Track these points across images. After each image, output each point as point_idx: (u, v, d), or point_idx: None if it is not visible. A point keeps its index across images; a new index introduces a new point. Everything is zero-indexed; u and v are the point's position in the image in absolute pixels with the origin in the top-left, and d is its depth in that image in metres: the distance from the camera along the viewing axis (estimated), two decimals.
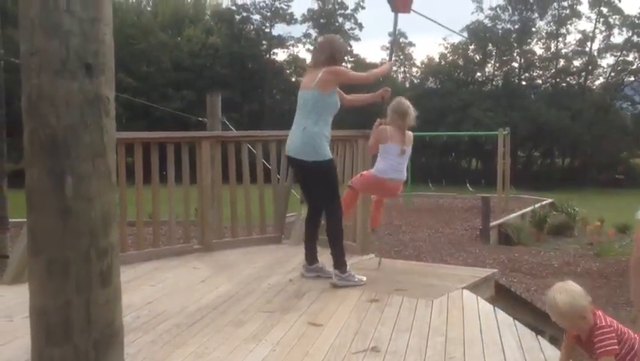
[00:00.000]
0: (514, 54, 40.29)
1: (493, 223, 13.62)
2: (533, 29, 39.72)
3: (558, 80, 40.05)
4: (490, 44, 40.00)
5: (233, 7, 38.79)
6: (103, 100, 2.09)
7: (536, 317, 5.35)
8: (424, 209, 18.67)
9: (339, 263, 4.40)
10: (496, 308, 3.92)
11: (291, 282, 4.51)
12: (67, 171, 2.03)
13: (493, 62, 40.91)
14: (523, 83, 40.67)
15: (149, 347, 3.15)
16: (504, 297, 5.13)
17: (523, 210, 16.02)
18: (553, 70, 39.92)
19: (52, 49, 1.93)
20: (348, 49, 40.11)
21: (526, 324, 3.75)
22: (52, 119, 1.99)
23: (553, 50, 40.03)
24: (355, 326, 3.51)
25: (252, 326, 3.52)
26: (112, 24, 2.10)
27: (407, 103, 4.73)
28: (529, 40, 39.85)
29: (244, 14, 38.96)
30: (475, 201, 18.27)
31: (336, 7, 41.10)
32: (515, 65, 40.73)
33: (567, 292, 2.63)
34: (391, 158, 4.66)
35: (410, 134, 4.77)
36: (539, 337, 3.42)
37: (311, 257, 4.68)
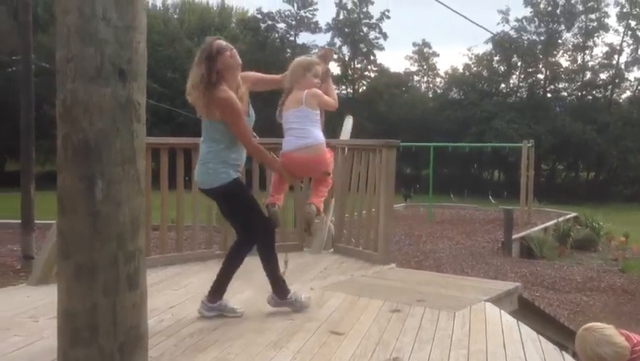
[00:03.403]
0: (540, 66, 39.94)
1: (515, 236, 13.51)
2: (560, 41, 39.35)
3: (584, 92, 39.58)
4: (515, 56, 39.71)
5: (259, 16, 39.03)
6: (134, 105, 2.12)
7: (560, 333, 5.29)
8: (445, 220, 18.57)
9: (278, 292, 3.95)
10: (519, 322, 3.88)
11: (312, 290, 4.51)
12: (98, 176, 2.06)
13: (517, 73, 40.60)
14: (549, 95, 40.29)
15: (171, 351, 3.18)
16: (527, 311, 5.07)
17: (547, 224, 15.87)
18: (580, 82, 39.47)
19: (87, 56, 1.96)
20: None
21: (549, 339, 3.71)
22: (85, 124, 2.03)
23: (579, 62, 39.59)
24: (377, 336, 3.50)
25: (273, 333, 3.52)
26: (145, 32, 2.14)
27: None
28: (555, 52, 39.49)
29: (269, 22, 39.19)
30: (497, 213, 18.15)
31: (361, 16, 41.16)
32: (541, 76, 40.37)
33: (608, 344, 2.57)
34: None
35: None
36: (564, 352, 3.38)
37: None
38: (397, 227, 13.67)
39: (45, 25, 29.07)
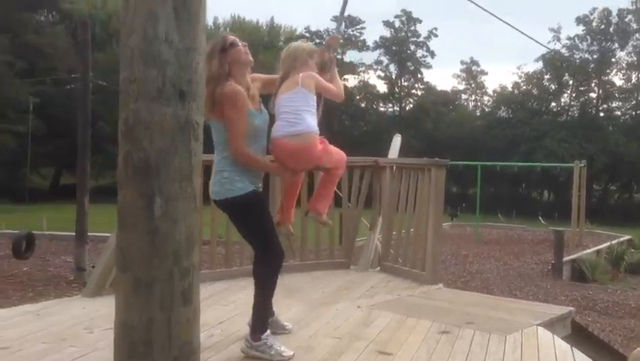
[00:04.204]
0: (592, 85, 39.10)
1: (566, 258, 13.18)
2: (613, 60, 38.48)
3: (639, 112, 38.52)
4: (566, 74, 38.99)
5: (307, 34, 39.49)
6: (193, 125, 2.18)
7: (614, 360, 5.11)
8: (493, 240, 18.26)
9: (255, 327, 3.43)
10: (573, 348, 3.78)
11: (360, 308, 4.49)
12: (157, 193, 2.12)
13: (569, 92, 39.82)
14: (601, 114, 39.35)
15: None
16: (581, 337, 4.93)
17: (599, 247, 15.43)
18: (634, 102, 38.45)
19: (150, 77, 2.03)
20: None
21: None
22: (145, 143, 2.09)
23: (634, 81, 38.61)
24: (425, 358, 3.45)
25: (320, 351, 3.52)
26: (204, 53, 2.20)
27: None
28: (608, 71, 38.61)
29: (317, 41, 39.52)
30: (547, 234, 17.74)
31: (409, 34, 41.19)
32: (593, 95, 39.51)
33: None
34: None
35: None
36: None
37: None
38: (443, 246, 13.48)
39: (102, 44, 30.06)
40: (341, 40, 4.07)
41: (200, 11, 2.14)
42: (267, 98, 3.63)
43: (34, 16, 34.54)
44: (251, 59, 3.42)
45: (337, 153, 3.76)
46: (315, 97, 3.57)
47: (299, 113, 3.46)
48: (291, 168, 3.55)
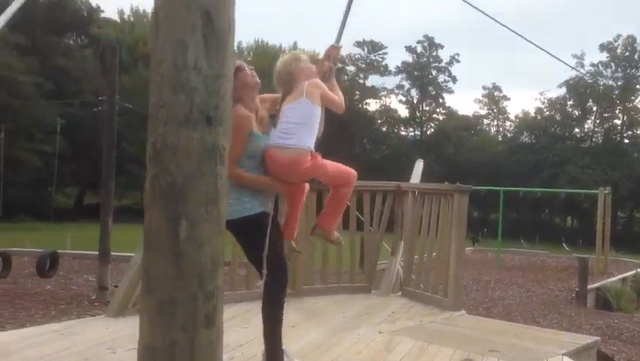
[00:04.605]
0: (617, 111, 38.80)
1: (590, 286, 12.95)
2: (638, 86, 38.18)
3: None
4: (590, 100, 38.76)
5: None
6: (219, 150, 2.21)
7: None
8: (515, 266, 18.04)
9: (273, 356, 3.43)
10: None
11: (381, 334, 4.46)
12: (183, 216, 2.14)
13: (593, 118, 39.55)
14: (626, 140, 38.97)
15: None
16: None
17: (624, 275, 15.17)
18: None
19: (178, 103, 2.07)
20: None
21: None
22: (172, 167, 2.13)
23: None
24: None
25: None
26: (232, 80, 2.24)
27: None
28: (632, 98, 38.30)
29: (339, 65, 39.85)
30: (571, 261, 17.48)
31: (431, 60, 41.35)
32: (617, 122, 39.20)
33: None
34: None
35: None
36: None
37: None
38: (465, 272, 13.34)
39: (128, 68, 30.64)
40: (341, 48, 4.03)
41: (228, 39, 2.19)
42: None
43: (63, 40, 35.42)
44: (258, 80, 3.43)
45: (337, 170, 3.66)
46: (319, 108, 3.50)
47: (293, 127, 3.40)
48: (282, 180, 3.47)
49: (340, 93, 3.76)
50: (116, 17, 43.54)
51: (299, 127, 3.40)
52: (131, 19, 44.40)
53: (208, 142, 2.17)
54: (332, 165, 3.62)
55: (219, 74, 2.15)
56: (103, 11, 39.79)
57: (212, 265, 2.23)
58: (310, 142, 3.44)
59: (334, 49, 3.97)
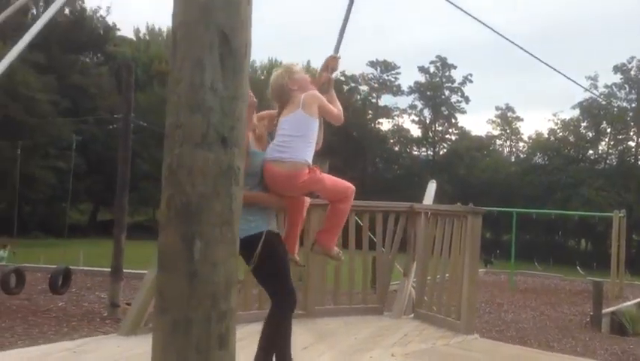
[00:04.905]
0: (631, 133, 38.60)
1: (605, 310, 12.78)
2: None
3: None
4: (604, 122, 38.61)
5: (342, 78, 40.03)
6: (234, 170, 2.22)
7: None
8: (528, 289, 17.87)
9: None
10: None
11: (394, 357, 4.42)
12: (197, 237, 2.15)
13: (607, 140, 39.36)
14: None
15: None
16: None
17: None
18: None
19: (194, 123, 2.09)
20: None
21: None
22: (188, 187, 2.14)
23: None
24: None
25: None
26: (247, 101, 2.26)
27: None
28: None
29: (352, 85, 40.09)
30: (585, 284, 17.29)
31: (443, 80, 41.46)
32: (632, 143, 38.96)
33: None
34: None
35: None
36: None
37: None
38: (477, 294, 13.27)
39: (143, 85, 30.99)
40: (339, 58, 3.92)
41: (244, 60, 2.21)
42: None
43: (80, 58, 35.90)
44: (255, 100, 3.36)
45: (335, 185, 3.61)
46: (316, 120, 3.45)
47: (289, 140, 3.36)
48: (280, 194, 3.44)
49: (339, 105, 3.68)
50: (131, 35, 44.23)
51: (295, 139, 3.36)
52: (147, 37, 45.03)
53: (224, 163, 2.18)
54: (330, 180, 3.58)
55: (235, 95, 2.16)
56: (119, 29, 40.46)
57: (226, 286, 2.22)
58: (307, 155, 3.39)
59: (333, 59, 3.88)
